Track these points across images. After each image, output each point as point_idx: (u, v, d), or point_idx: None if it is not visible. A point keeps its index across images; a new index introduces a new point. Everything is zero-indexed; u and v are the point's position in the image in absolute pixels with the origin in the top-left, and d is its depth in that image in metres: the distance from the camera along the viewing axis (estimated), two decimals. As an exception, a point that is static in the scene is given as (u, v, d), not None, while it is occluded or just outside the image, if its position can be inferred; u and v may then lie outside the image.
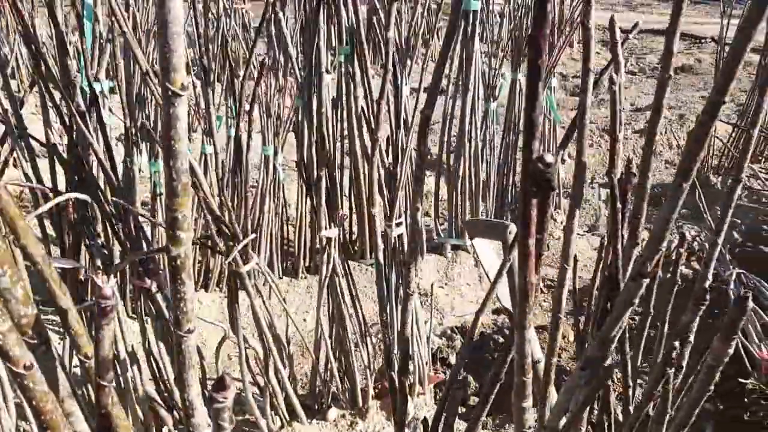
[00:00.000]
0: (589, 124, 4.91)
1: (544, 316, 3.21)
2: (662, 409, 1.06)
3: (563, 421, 0.99)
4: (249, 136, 1.62)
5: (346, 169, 3.01)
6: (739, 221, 4.05)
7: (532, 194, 0.54)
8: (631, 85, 7.24)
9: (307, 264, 3.28)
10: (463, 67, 3.07)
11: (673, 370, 0.96)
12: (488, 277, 1.72)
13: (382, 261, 1.45)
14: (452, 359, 2.91)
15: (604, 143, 5.45)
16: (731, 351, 0.77)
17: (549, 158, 0.50)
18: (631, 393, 1.09)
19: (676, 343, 0.95)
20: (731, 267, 3.19)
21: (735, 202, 1.14)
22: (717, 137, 4.23)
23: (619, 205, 0.91)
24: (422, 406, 2.36)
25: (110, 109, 2.74)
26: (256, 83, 1.55)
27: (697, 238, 3.81)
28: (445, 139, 3.26)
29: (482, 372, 2.91)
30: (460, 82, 3.14)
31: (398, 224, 2.05)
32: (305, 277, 3.27)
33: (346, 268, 2.09)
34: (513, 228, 1.56)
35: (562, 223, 3.83)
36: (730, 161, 4.38)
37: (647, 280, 0.72)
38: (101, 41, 2.28)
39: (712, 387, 0.83)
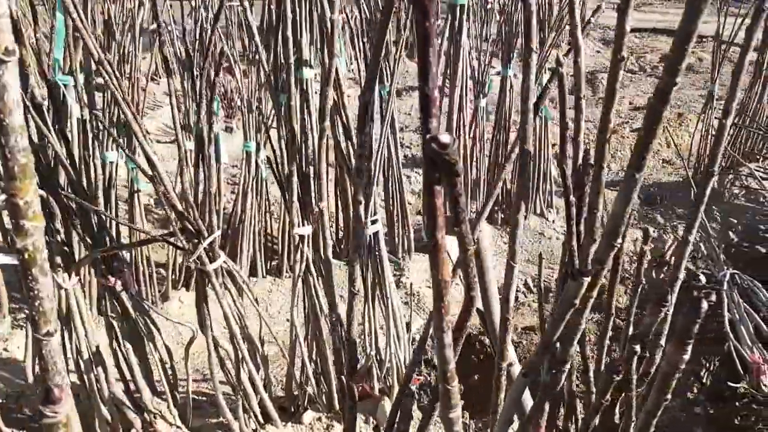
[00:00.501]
0: (587, 122, 4.83)
1: (533, 316, 3.15)
2: (628, 418, 1.00)
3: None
4: (210, 128, 1.56)
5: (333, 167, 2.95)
6: (736, 221, 3.98)
7: (434, 181, 0.48)
8: (630, 84, 7.16)
9: (291, 262, 3.22)
10: (450, 62, 3.00)
11: (624, 377, 0.89)
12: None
13: (330, 258, 1.39)
14: (437, 360, 2.84)
15: (601, 142, 5.37)
16: (687, 357, 0.70)
17: (445, 138, 0.44)
18: (594, 398, 1.02)
19: (637, 348, 0.88)
20: (725, 267, 3.11)
21: (707, 197, 1.07)
22: (714, 135, 4.15)
23: (573, 199, 0.84)
24: (401, 409, 2.29)
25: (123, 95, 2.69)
26: (215, 74, 1.49)
27: (692, 238, 3.73)
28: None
29: (467, 375, 2.84)
30: (447, 78, 3.08)
31: (373, 221, 1.99)
32: (289, 276, 3.21)
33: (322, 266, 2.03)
34: (484, 225, 1.49)
35: (554, 222, 3.76)
36: (728, 160, 4.29)
37: (588, 279, 0.65)
38: (75, 34, 2.23)
39: (669, 396, 0.76)
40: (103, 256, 1.79)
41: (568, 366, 0.97)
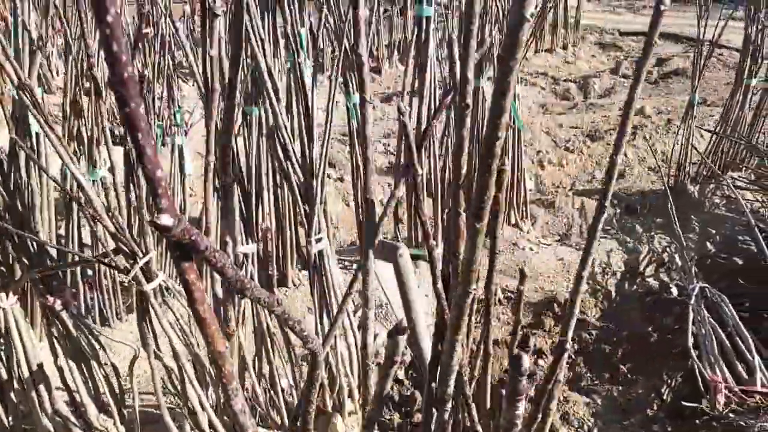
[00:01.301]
0: (573, 129, 4.79)
1: (501, 328, 3.13)
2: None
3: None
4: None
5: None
6: (714, 231, 3.94)
7: (184, 256, 0.47)
8: (622, 89, 7.11)
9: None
10: (418, 73, 2.99)
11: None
12: (386, 298, 1.65)
13: (218, 293, 1.38)
14: (400, 375, 2.84)
15: (586, 149, 5.34)
16: (519, 413, 0.69)
17: (165, 220, 0.43)
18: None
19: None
20: (695, 280, 3.08)
21: (602, 223, 1.06)
22: (693, 146, 4.12)
23: (432, 242, 0.83)
24: (353, 425, 2.29)
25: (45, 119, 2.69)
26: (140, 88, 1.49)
27: (667, 249, 3.70)
28: (404, 146, 3.18)
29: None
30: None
31: (318, 240, 1.98)
32: (258, 288, 3.20)
33: (270, 283, 2.03)
34: (404, 251, 1.48)
35: (528, 232, 3.74)
36: (709, 170, 4.26)
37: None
38: (33, 47, 2.24)
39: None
40: (43, 275, 1.79)
41: (449, 405, 0.96)
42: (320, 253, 2.00)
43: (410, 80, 3.06)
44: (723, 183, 4.07)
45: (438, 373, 0.92)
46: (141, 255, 1.72)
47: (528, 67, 7.96)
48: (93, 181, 2.66)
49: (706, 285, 3.01)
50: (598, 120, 6.09)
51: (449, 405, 0.96)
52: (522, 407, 0.69)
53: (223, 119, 0.77)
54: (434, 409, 0.98)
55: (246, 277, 0.52)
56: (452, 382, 0.91)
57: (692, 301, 2.88)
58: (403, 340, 0.64)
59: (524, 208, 3.75)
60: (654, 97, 6.87)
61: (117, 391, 2.11)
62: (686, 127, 4.12)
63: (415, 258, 3.43)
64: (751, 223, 3.30)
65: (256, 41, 1.51)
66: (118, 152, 4.45)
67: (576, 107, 6.67)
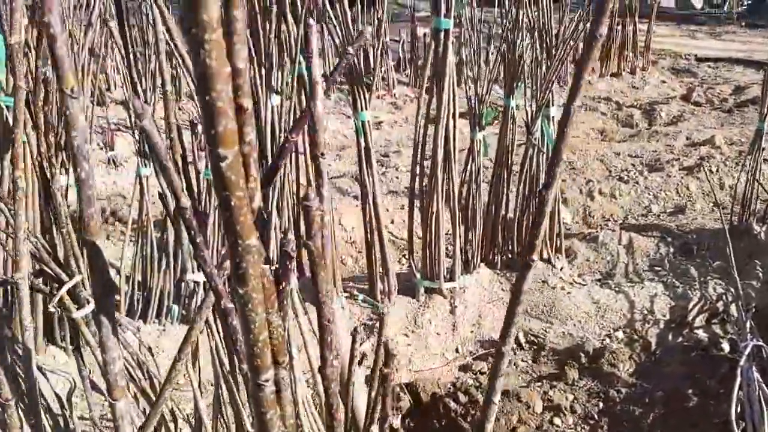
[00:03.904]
0: (632, 158, 4.34)
1: (518, 377, 2.78)
2: None
3: None
4: (50, 164, 1.38)
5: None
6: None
7: None
8: (692, 117, 6.57)
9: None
10: (435, 91, 2.74)
11: None
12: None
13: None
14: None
15: (643, 180, 4.89)
16: None
17: None
18: None
19: None
20: (749, 336, 2.64)
21: (524, 290, 0.77)
22: (758, 181, 3.64)
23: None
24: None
25: None
26: (43, 102, 1.32)
27: (722, 297, 3.24)
28: (418, 171, 2.93)
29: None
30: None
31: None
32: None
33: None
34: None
35: (561, 269, 3.38)
36: (778, 206, 3.76)
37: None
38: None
39: None
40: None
41: None
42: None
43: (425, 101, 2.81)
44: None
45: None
46: (66, 278, 1.54)
47: (591, 91, 7.52)
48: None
49: (762, 343, 2.57)
50: (660, 149, 5.60)
51: None
52: None
53: None
54: None
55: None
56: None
57: (742, 361, 2.46)
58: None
59: (558, 241, 3.39)
60: (726, 127, 6.30)
61: (61, 424, 1.94)
62: (753, 160, 3.66)
63: (429, 291, 3.15)
64: (822, 273, 2.83)
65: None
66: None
67: (638, 135, 6.20)
